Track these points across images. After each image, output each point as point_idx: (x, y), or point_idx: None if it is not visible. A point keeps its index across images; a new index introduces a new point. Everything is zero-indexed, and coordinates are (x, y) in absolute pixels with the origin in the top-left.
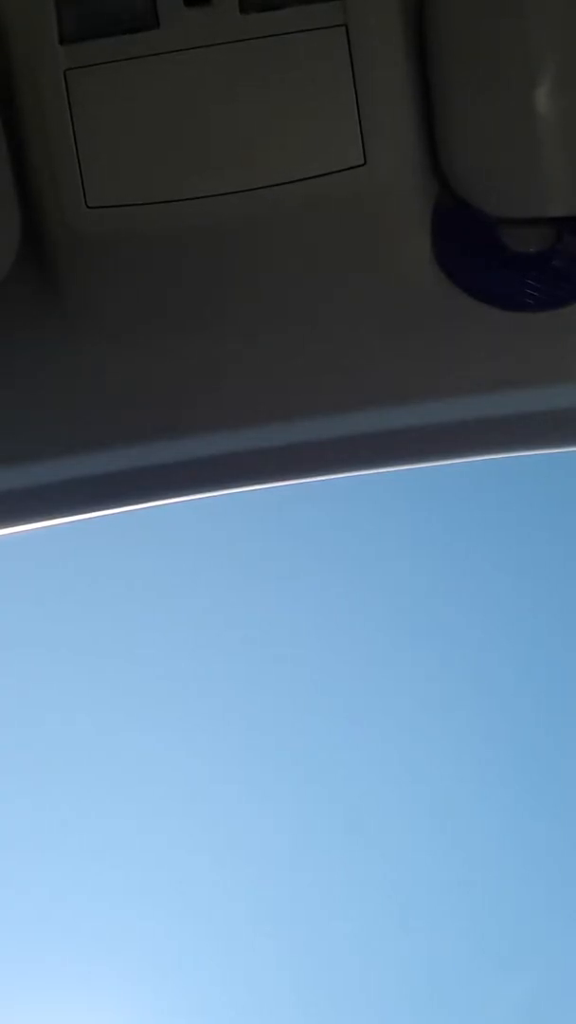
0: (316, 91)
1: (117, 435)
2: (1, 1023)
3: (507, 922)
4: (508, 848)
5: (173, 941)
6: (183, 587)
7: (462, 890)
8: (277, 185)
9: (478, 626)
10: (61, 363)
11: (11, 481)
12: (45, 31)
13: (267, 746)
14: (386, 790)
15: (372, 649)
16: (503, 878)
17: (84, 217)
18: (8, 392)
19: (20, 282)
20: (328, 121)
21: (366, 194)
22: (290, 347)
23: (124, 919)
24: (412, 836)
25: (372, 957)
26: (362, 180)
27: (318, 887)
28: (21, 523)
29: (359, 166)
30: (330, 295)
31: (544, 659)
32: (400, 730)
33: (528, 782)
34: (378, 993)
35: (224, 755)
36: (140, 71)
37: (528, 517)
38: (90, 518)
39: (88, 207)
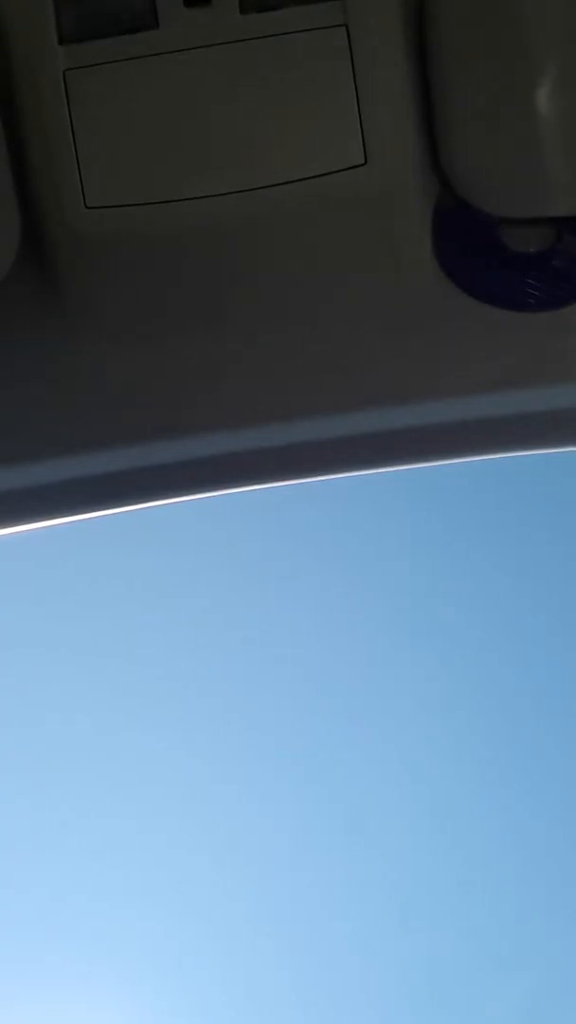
0: (316, 91)
1: (117, 435)
2: (1, 1023)
3: (507, 922)
4: (508, 848)
5: (173, 941)
6: (183, 587)
7: (462, 890)
8: (277, 185)
9: (478, 626)
10: (61, 363)
11: (11, 481)
12: (44, 31)
13: (267, 746)
14: (386, 790)
15: (372, 649)
16: (503, 878)
17: (84, 217)
18: (8, 392)
19: (20, 282)
20: (328, 121)
21: (366, 194)
22: (290, 347)
23: (124, 919)
24: (412, 836)
25: (372, 957)
26: (362, 180)
27: (318, 887)
28: (21, 523)
29: (359, 166)
30: (330, 295)
31: (544, 659)
32: (400, 730)
33: (528, 782)
34: (378, 993)
35: (224, 755)
36: (140, 71)
37: (528, 517)
38: (90, 518)
39: (87, 207)
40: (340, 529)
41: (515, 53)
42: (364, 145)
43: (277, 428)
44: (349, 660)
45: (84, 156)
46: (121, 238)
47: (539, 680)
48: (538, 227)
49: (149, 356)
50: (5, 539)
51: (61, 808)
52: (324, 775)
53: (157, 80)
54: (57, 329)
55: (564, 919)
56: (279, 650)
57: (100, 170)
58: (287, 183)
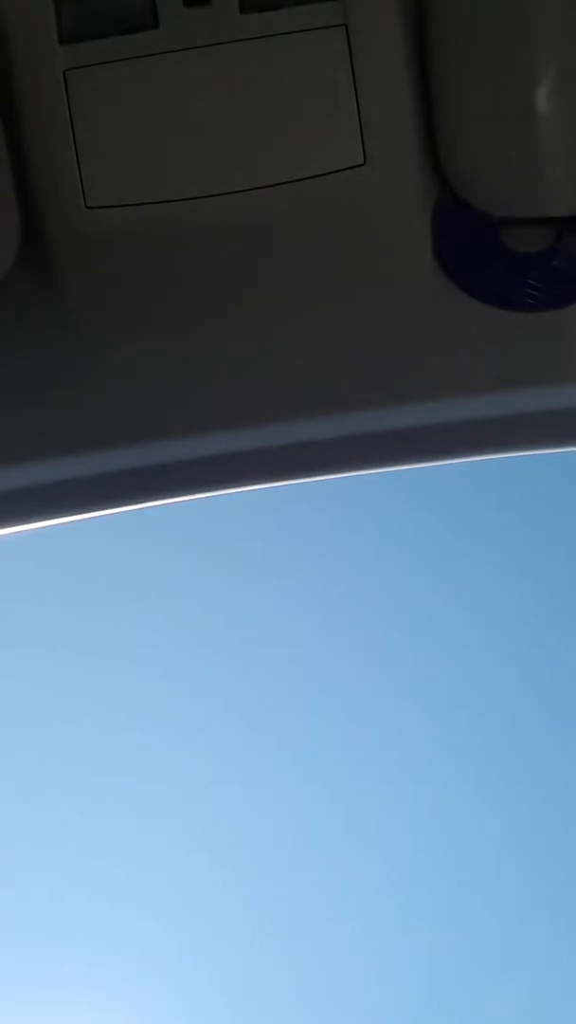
0: (316, 91)
1: (117, 435)
2: (1, 1023)
3: (507, 922)
4: (508, 848)
5: (173, 941)
6: (183, 587)
7: (462, 890)
8: (277, 185)
9: (478, 626)
10: (61, 363)
11: (11, 481)
12: (44, 31)
13: (267, 746)
14: (386, 790)
15: (372, 649)
16: (503, 878)
17: (84, 217)
18: (8, 392)
19: (20, 282)
20: (328, 121)
21: (366, 194)
22: (290, 347)
23: (124, 919)
24: (412, 836)
25: (372, 957)
26: (362, 180)
27: (318, 887)
28: (21, 523)
29: (359, 166)
30: (330, 295)
31: (545, 659)
32: (400, 730)
33: (528, 782)
34: (378, 993)
35: (224, 755)
36: (139, 71)
37: (528, 517)
38: (90, 518)
39: (88, 207)
40: (340, 529)
41: (515, 53)
42: (363, 145)
43: (277, 428)
44: (349, 660)
45: (84, 156)
46: (121, 238)
47: (540, 680)
48: (538, 227)
49: (149, 356)
50: (5, 539)
51: (61, 808)
52: (324, 775)
53: (157, 80)
54: (57, 329)
55: (564, 919)
56: (279, 650)
57: (100, 170)
58: (286, 183)
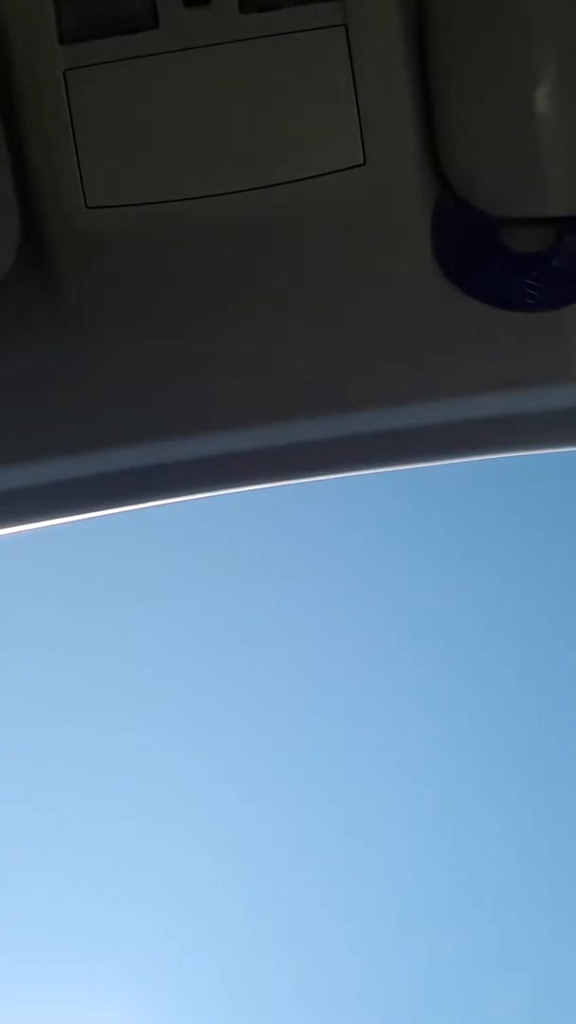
0: (316, 91)
1: (117, 435)
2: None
3: (507, 922)
4: (508, 848)
5: (173, 941)
6: (183, 587)
7: (462, 890)
8: (277, 185)
9: (479, 626)
10: (61, 363)
11: (11, 481)
12: (45, 31)
13: (267, 746)
14: (386, 790)
15: (372, 649)
16: (503, 878)
17: (84, 217)
18: (8, 392)
19: (20, 282)
20: (328, 121)
21: (365, 194)
22: (290, 347)
23: (124, 919)
24: (412, 836)
25: (372, 957)
26: (362, 180)
27: (318, 887)
28: (21, 523)
29: (359, 166)
30: (330, 295)
31: (545, 658)
32: (400, 729)
33: (529, 782)
34: (378, 993)
35: (224, 755)
36: (140, 71)
37: (528, 517)
38: (90, 518)
39: (88, 207)
40: (340, 529)
41: (515, 53)
42: (363, 145)
43: (277, 428)
44: (349, 660)
45: (84, 156)
46: (121, 238)
47: (540, 680)
48: (538, 227)
49: (149, 356)
50: (5, 539)
51: (61, 808)
52: (324, 775)
53: (157, 80)
54: (57, 329)
55: (564, 919)
56: (279, 650)
57: (100, 170)
58: (286, 183)
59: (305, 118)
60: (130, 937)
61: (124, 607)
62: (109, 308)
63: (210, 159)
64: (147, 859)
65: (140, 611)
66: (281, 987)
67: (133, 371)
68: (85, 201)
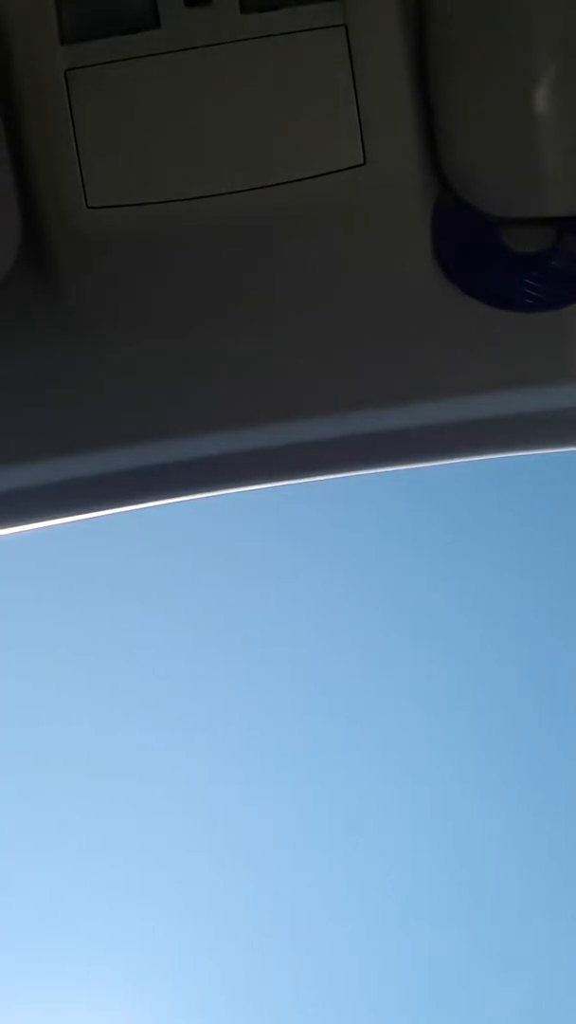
0: (316, 91)
1: (117, 435)
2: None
3: (507, 922)
4: (508, 848)
5: (173, 941)
6: (183, 587)
7: (462, 890)
8: (277, 185)
9: (479, 625)
10: (61, 363)
11: (11, 481)
12: (46, 31)
13: (267, 746)
14: (386, 790)
15: (372, 648)
16: (503, 878)
17: (84, 217)
18: (8, 392)
19: (20, 282)
20: (328, 121)
21: (366, 194)
22: (290, 347)
23: (124, 919)
24: (412, 836)
25: (372, 957)
26: (362, 180)
27: (318, 887)
28: (21, 523)
29: (359, 166)
30: (330, 295)
31: (545, 658)
32: (400, 729)
33: (529, 782)
34: (378, 993)
35: (224, 755)
36: (141, 71)
37: (528, 517)
38: (90, 518)
39: (89, 207)
40: (340, 529)
41: (515, 54)
42: (363, 145)
43: (277, 428)
44: (349, 660)
45: (85, 156)
46: (121, 238)
47: (540, 680)
48: (538, 227)
49: (149, 356)
50: (5, 539)
51: (61, 808)
52: (324, 775)
53: (158, 80)
54: (57, 329)
55: (564, 919)
56: (279, 650)
57: (101, 170)
58: (287, 183)
59: (305, 118)
60: (130, 937)
61: (124, 607)
62: (109, 308)
63: (210, 159)
64: (147, 859)
65: (140, 611)
66: (281, 987)
67: (133, 371)
68: (86, 201)
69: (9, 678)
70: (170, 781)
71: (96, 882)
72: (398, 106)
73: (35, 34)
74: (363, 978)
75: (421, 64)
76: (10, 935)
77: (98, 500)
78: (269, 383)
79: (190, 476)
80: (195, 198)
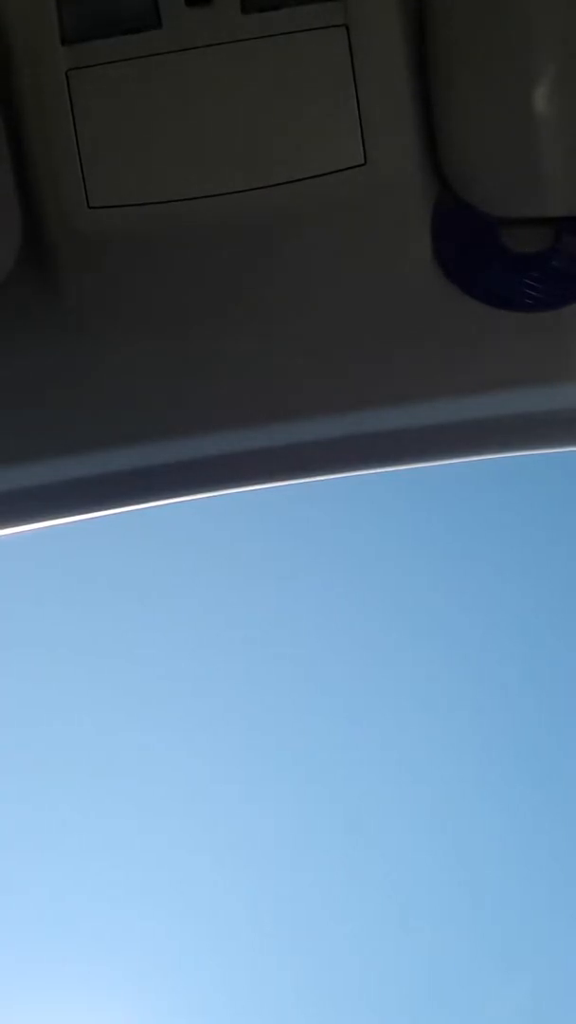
0: (316, 91)
1: (117, 435)
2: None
3: (507, 922)
4: (508, 848)
5: (173, 941)
6: (183, 587)
7: (462, 890)
8: (277, 185)
9: (479, 625)
10: (61, 363)
11: (11, 481)
12: (47, 31)
13: (267, 746)
14: (386, 790)
15: (372, 649)
16: (503, 878)
17: (85, 217)
18: (8, 392)
19: (21, 283)
20: (328, 121)
21: (366, 194)
22: (290, 347)
23: (124, 919)
24: (412, 836)
25: (372, 957)
26: (362, 180)
27: (318, 887)
28: (21, 523)
29: (359, 166)
30: (330, 295)
31: (545, 658)
32: (400, 729)
33: (529, 782)
34: (378, 993)
35: (224, 755)
36: (141, 71)
37: (528, 517)
38: (90, 518)
39: (89, 207)
40: (340, 529)
41: (515, 53)
42: (364, 145)
43: (277, 428)
44: (349, 660)
45: (86, 156)
46: (122, 238)
47: (540, 680)
48: (537, 227)
49: (149, 356)
50: (5, 539)
51: (61, 808)
52: (324, 775)
53: (159, 80)
54: (57, 329)
55: (564, 919)
56: (279, 650)
57: (102, 170)
58: (287, 183)
59: (305, 118)
60: (130, 937)
61: (124, 607)
62: (109, 308)
63: (211, 159)
64: (147, 859)
65: (140, 611)
66: (281, 987)
67: (133, 371)
68: (88, 201)
69: (9, 678)
70: (170, 781)
71: (96, 882)
72: (398, 106)
73: (36, 34)
74: (363, 978)
75: (421, 64)
76: (10, 935)
77: (98, 500)
78: (269, 383)
79: (190, 476)
80: (195, 198)
